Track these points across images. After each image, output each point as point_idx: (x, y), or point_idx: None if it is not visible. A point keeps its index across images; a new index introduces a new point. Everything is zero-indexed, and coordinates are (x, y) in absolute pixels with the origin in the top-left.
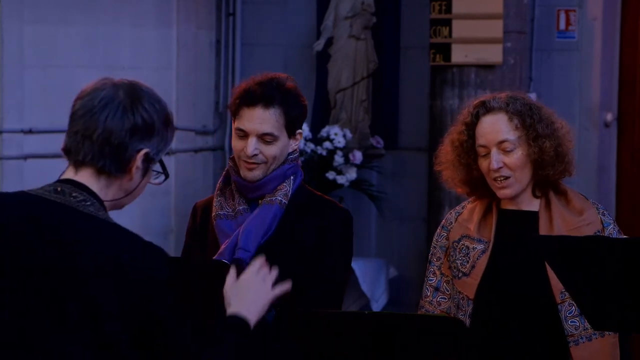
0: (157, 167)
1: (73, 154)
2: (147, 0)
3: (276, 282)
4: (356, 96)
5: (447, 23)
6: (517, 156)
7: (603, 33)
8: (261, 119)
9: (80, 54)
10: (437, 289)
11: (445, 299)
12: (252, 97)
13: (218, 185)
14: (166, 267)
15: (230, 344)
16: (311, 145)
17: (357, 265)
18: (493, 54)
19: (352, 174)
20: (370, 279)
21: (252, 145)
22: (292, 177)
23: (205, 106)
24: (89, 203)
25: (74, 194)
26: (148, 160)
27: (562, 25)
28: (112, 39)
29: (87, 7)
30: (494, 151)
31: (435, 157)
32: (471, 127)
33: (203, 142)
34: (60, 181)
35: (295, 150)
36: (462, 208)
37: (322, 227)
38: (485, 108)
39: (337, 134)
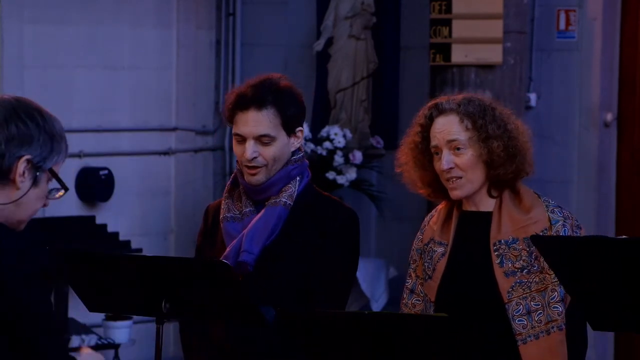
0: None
1: None
2: (147, 0)
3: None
4: (356, 96)
5: (447, 23)
6: (468, 157)
7: (603, 33)
8: (255, 121)
9: (80, 54)
10: (412, 291)
11: (420, 301)
12: (244, 101)
13: (226, 187)
14: (35, 261)
15: None
16: (311, 145)
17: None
18: (493, 54)
19: (352, 174)
20: (370, 279)
21: (250, 148)
22: (297, 178)
23: (205, 106)
24: None
25: None
26: (35, 168)
27: (562, 25)
28: (112, 39)
29: (87, 7)
30: (445, 152)
31: (396, 159)
32: (426, 128)
33: (203, 142)
34: None
35: (300, 149)
36: (435, 211)
37: (326, 228)
38: (437, 110)
39: (337, 134)
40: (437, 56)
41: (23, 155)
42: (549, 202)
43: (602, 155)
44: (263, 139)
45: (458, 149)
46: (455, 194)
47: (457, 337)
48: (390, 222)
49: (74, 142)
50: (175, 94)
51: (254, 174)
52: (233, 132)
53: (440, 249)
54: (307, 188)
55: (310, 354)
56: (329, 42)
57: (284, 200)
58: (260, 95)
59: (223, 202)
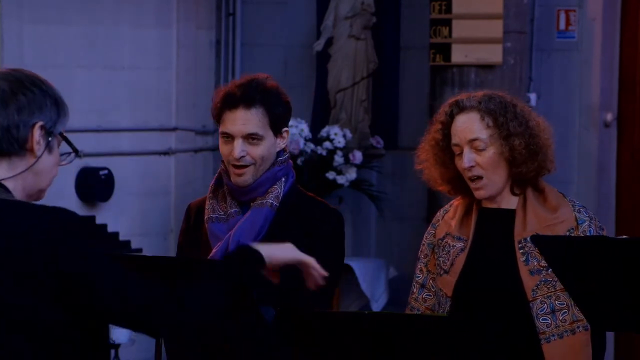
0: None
1: None
2: (147, 0)
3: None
4: (356, 96)
5: (447, 23)
6: (489, 155)
7: (603, 33)
8: (244, 119)
9: (80, 54)
10: (423, 286)
11: (431, 295)
12: (232, 100)
13: (210, 187)
14: (67, 226)
15: (223, 275)
16: (311, 145)
17: (357, 265)
18: (493, 54)
19: (352, 174)
20: (370, 279)
21: (238, 147)
22: (283, 179)
23: (205, 106)
24: None
25: None
26: (47, 134)
27: (562, 25)
28: (112, 39)
29: (87, 7)
30: (466, 150)
31: (416, 156)
32: (446, 126)
33: (203, 142)
34: None
35: (286, 150)
36: (450, 206)
37: (312, 229)
38: (458, 107)
39: (337, 134)
40: (437, 56)
41: (36, 122)
42: (575, 202)
43: (602, 155)
44: (251, 138)
45: (479, 147)
46: (479, 193)
47: (457, 337)
48: (390, 222)
49: (74, 142)
50: (175, 94)
51: (240, 174)
52: (220, 131)
53: (459, 244)
54: (292, 189)
55: (310, 354)
56: (329, 42)
57: (270, 201)
58: (248, 95)
59: (207, 202)
